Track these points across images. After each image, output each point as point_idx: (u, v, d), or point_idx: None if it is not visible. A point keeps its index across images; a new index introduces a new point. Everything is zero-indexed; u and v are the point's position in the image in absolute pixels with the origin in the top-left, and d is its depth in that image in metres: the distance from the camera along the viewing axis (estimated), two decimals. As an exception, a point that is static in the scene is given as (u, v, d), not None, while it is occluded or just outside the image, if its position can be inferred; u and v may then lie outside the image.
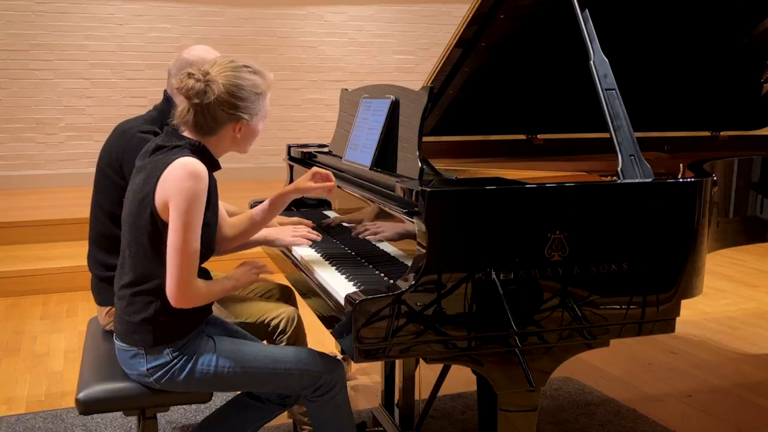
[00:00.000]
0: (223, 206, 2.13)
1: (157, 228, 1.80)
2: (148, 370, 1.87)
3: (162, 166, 1.80)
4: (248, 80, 1.86)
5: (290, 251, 2.34)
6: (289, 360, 1.95)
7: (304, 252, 2.28)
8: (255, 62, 1.91)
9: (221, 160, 1.96)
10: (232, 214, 2.66)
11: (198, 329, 1.91)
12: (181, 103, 2.25)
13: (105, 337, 2.23)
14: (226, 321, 2.16)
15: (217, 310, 2.28)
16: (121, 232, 1.91)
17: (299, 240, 2.21)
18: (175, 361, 1.86)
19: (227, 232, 2.12)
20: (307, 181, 2.05)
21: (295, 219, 2.58)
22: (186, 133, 1.88)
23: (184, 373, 1.87)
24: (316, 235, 2.22)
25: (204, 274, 1.97)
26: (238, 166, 7.84)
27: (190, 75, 1.83)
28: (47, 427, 2.85)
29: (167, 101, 2.36)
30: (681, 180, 1.91)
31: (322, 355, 2.01)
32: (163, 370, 1.86)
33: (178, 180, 1.76)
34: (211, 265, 2.64)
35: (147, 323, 1.84)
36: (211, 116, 1.84)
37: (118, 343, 1.92)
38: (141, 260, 1.83)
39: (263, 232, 2.27)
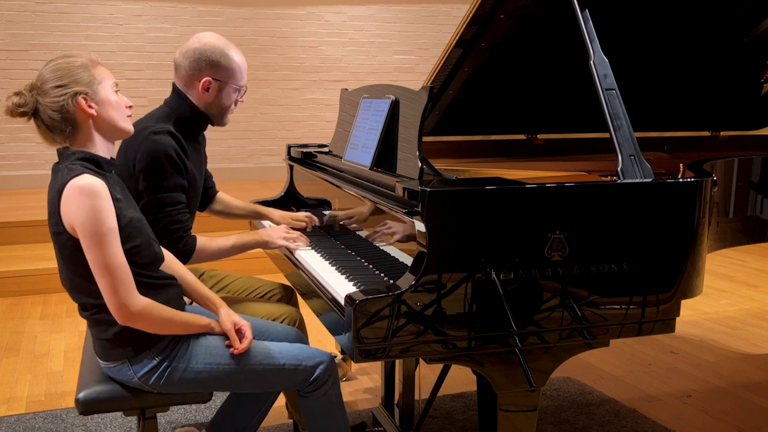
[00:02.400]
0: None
1: (81, 251, 1.75)
2: (139, 378, 1.86)
3: (57, 192, 1.75)
4: (63, 61, 1.81)
5: (291, 251, 2.34)
6: (284, 356, 1.95)
7: (304, 252, 2.28)
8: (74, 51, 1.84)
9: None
10: (237, 207, 2.70)
11: None
12: (192, 98, 2.26)
13: (105, 337, 2.23)
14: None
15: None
16: None
17: (290, 245, 2.27)
18: (165, 363, 1.85)
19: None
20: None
21: (295, 214, 2.58)
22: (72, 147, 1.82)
23: (178, 373, 1.86)
24: (304, 241, 2.29)
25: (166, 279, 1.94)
26: (238, 166, 7.84)
27: (8, 97, 1.79)
28: (47, 427, 2.85)
29: (177, 94, 2.30)
30: (681, 180, 1.91)
31: (315, 350, 2.02)
32: (155, 374, 1.85)
33: (75, 203, 1.70)
34: (211, 265, 2.64)
35: (120, 338, 1.82)
36: (53, 110, 1.78)
37: (101, 362, 1.90)
38: (86, 285, 1.79)
39: (256, 235, 2.34)
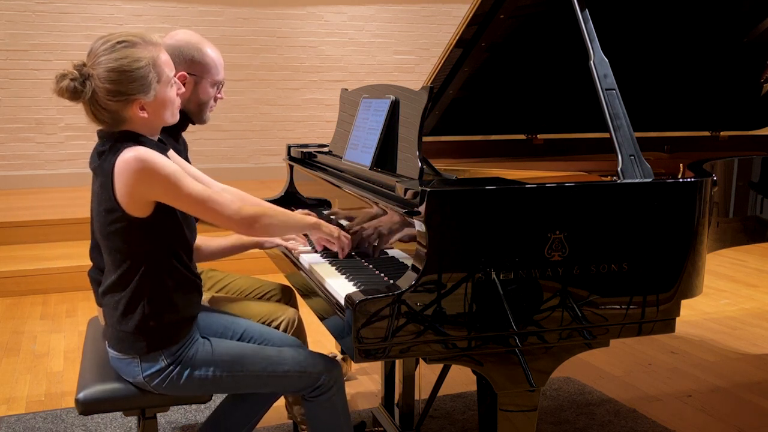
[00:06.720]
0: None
1: (133, 229, 1.77)
2: (144, 378, 1.86)
3: (109, 171, 1.76)
4: (126, 58, 1.74)
5: (289, 250, 2.34)
6: (288, 362, 1.95)
7: (304, 252, 2.27)
8: (134, 30, 1.81)
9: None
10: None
11: (191, 333, 1.89)
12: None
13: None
14: (228, 322, 2.15)
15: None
16: None
17: (287, 244, 2.23)
18: (171, 367, 1.85)
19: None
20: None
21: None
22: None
23: (182, 378, 1.86)
24: (302, 240, 2.23)
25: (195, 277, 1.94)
26: (238, 166, 7.84)
27: (63, 76, 1.74)
28: (47, 427, 2.85)
29: None
30: (681, 180, 1.91)
31: (320, 356, 2.01)
32: (161, 376, 1.85)
33: (139, 175, 1.72)
34: (210, 265, 2.64)
35: (138, 332, 1.82)
36: (104, 109, 1.77)
37: (111, 351, 1.90)
38: (122, 266, 1.81)
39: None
